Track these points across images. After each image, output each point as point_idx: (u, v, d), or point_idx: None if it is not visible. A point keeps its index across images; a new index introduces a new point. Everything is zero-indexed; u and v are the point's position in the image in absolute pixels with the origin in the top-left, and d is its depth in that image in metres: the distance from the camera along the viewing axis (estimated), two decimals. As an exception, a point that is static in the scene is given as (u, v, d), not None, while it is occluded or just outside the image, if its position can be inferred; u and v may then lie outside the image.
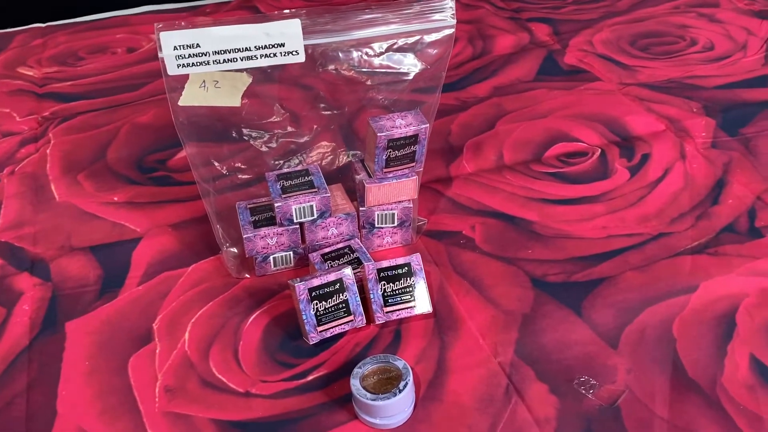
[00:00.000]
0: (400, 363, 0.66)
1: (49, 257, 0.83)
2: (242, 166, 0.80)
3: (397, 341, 0.72)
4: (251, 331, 0.73)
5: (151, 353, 0.71)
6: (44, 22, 1.39)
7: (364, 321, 0.72)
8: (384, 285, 0.72)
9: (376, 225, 0.81)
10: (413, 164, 0.77)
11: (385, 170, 0.77)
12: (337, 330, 0.71)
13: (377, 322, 0.72)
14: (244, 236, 0.76)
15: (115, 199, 0.91)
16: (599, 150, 0.98)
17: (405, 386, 0.63)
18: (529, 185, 0.92)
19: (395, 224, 0.81)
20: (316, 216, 0.76)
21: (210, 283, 0.79)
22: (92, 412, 0.66)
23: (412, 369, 0.66)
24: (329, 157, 0.84)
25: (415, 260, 0.73)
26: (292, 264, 0.80)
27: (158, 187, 0.93)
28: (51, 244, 0.85)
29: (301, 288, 0.69)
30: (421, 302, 0.73)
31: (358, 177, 0.79)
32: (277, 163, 0.81)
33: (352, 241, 0.79)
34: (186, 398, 0.67)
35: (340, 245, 0.79)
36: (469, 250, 0.83)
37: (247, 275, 0.79)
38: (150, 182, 0.94)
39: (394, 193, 0.79)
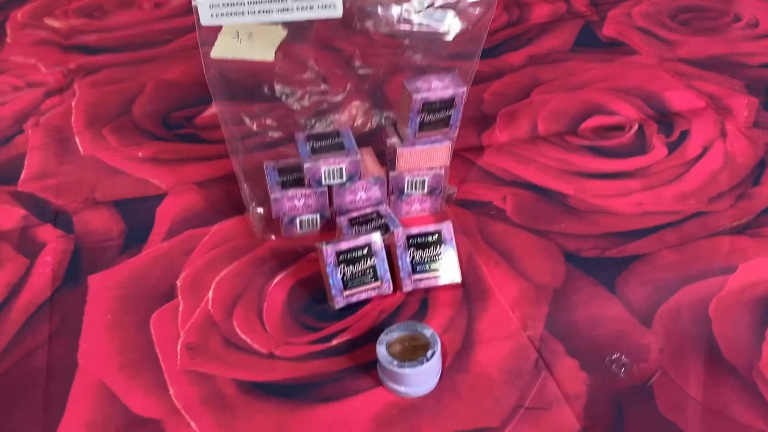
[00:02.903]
0: (427, 331, 0.64)
1: (72, 210, 0.82)
2: (272, 124, 0.78)
3: (424, 310, 0.70)
4: (276, 292, 0.72)
5: (174, 310, 0.70)
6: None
7: (392, 287, 0.70)
8: (413, 252, 0.70)
9: (406, 191, 0.78)
10: (447, 129, 0.75)
11: (418, 135, 0.74)
12: (364, 295, 0.69)
13: (405, 290, 0.70)
14: (271, 196, 0.74)
15: (140, 154, 0.90)
16: (637, 124, 0.95)
17: (432, 355, 0.62)
18: (563, 157, 0.89)
19: (425, 191, 0.79)
20: (345, 179, 0.74)
21: (235, 243, 0.78)
22: (113, 366, 0.65)
23: (439, 338, 0.64)
24: (361, 119, 0.82)
25: (446, 228, 0.71)
26: (318, 228, 0.78)
27: (184, 144, 0.92)
28: (75, 196, 0.83)
29: (329, 251, 0.68)
30: (451, 271, 0.71)
31: (389, 141, 0.77)
32: (307, 122, 0.79)
33: (381, 207, 0.77)
34: (208, 357, 0.66)
35: (368, 210, 0.77)
36: (499, 221, 0.80)
37: (273, 237, 0.78)
38: (176, 139, 0.93)
39: (426, 158, 0.76)
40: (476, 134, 0.93)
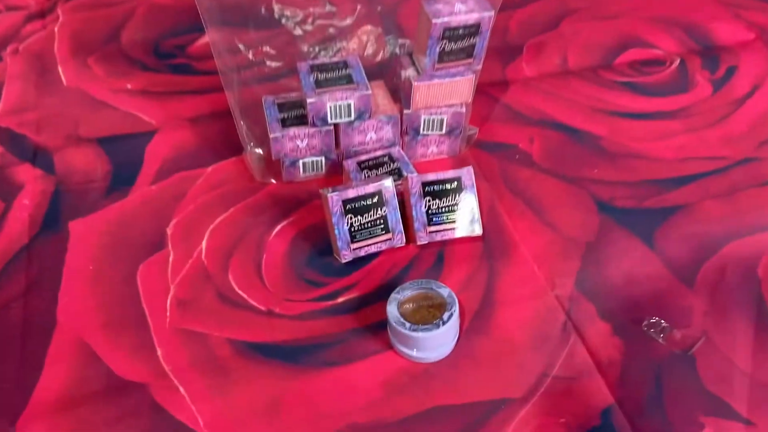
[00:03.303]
0: (444, 291, 0.57)
1: (54, 147, 0.74)
2: (272, 52, 0.70)
3: (440, 265, 0.63)
4: (276, 243, 0.65)
5: (164, 261, 0.63)
6: None
7: (404, 240, 0.63)
8: (429, 201, 0.62)
9: (422, 131, 0.70)
10: (471, 61, 0.66)
11: (437, 66, 0.66)
12: (373, 249, 0.62)
13: (419, 243, 0.63)
14: (270, 136, 0.66)
15: (129, 86, 0.82)
16: (678, 59, 0.85)
17: (450, 317, 0.55)
18: (596, 95, 0.80)
19: (443, 132, 0.71)
20: (353, 117, 0.66)
21: (231, 187, 0.70)
22: (95, 324, 0.59)
23: (456, 297, 0.57)
24: (372, 47, 0.73)
25: (467, 174, 0.63)
26: (324, 171, 0.70)
27: (176, 75, 0.83)
28: (56, 133, 0.76)
29: (334, 199, 0.60)
30: (470, 223, 0.63)
31: (404, 73, 0.68)
32: (311, 50, 0.70)
33: (393, 149, 0.69)
34: (200, 314, 0.59)
35: (379, 153, 0.69)
36: (525, 166, 0.72)
37: (273, 180, 0.70)
38: (167, 70, 0.84)
39: (445, 94, 0.68)
40: (500, 67, 0.84)
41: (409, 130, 0.70)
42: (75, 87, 0.81)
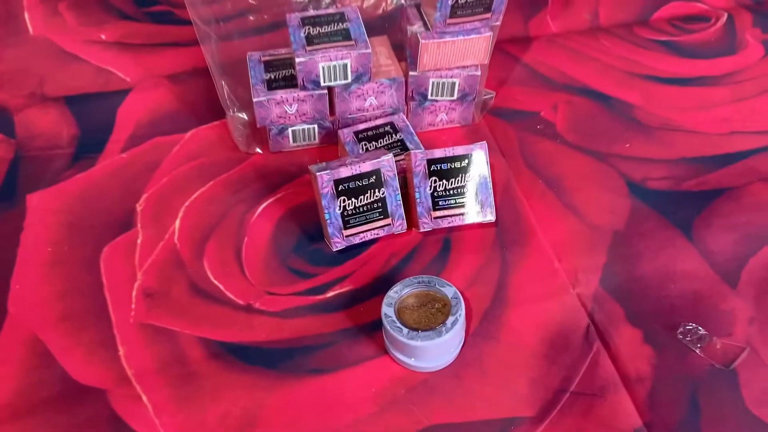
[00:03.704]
0: (449, 290, 0.49)
1: (15, 107, 0.66)
2: (254, 3, 0.60)
3: (445, 255, 0.55)
4: (259, 225, 0.57)
5: (131, 244, 0.56)
6: None
7: (405, 226, 0.55)
8: (435, 182, 0.54)
9: (430, 96, 0.61)
10: (488, 15, 0.56)
11: (449, 21, 0.56)
12: (369, 236, 0.54)
13: (422, 230, 0.55)
14: (254, 100, 0.57)
15: (103, 37, 0.72)
16: (725, 15, 0.75)
17: (454, 324, 0.47)
18: (630, 55, 0.71)
19: (454, 97, 0.62)
20: (350, 79, 0.57)
21: (211, 157, 0.62)
22: (51, 317, 0.51)
23: (463, 296, 0.50)
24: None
25: (479, 152, 0.54)
26: (317, 140, 0.62)
27: (156, 24, 0.74)
28: (18, 90, 0.67)
29: (324, 179, 0.52)
30: (482, 208, 0.55)
31: (411, 28, 0.59)
32: (302, 1, 0.61)
33: (396, 117, 0.61)
34: (170, 307, 0.52)
35: (380, 121, 0.60)
36: (547, 138, 0.64)
37: (259, 150, 0.62)
38: (146, 18, 0.75)
39: (458, 54, 0.58)
40: (522, 21, 0.74)
41: (415, 95, 0.61)
42: (42, 37, 0.73)
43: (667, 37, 0.73)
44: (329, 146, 0.62)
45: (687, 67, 0.70)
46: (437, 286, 0.49)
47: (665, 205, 0.58)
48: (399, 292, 0.49)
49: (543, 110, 0.66)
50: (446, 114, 0.63)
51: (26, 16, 0.75)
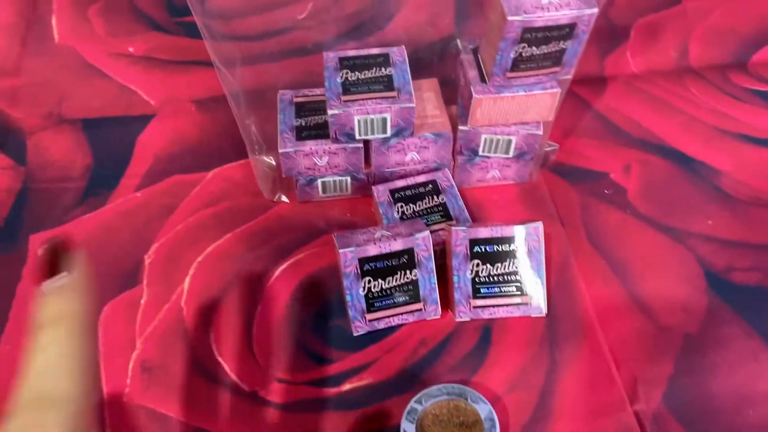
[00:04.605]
0: (483, 408, 0.42)
1: (29, 129, 0.61)
2: (301, 18, 0.53)
3: (484, 348, 0.48)
4: (276, 290, 0.51)
5: (134, 303, 0.50)
6: None
7: (439, 312, 0.47)
8: (477, 265, 0.46)
9: (481, 153, 0.53)
10: (557, 69, 0.48)
11: (509, 75, 0.48)
12: (396, 321, 0.47)
13: (458, 319, 0.47)
14: (280, 150, 0.51)
15: (131, 50, 0.67)
16: (841, 60, 0.64)
17: (485, 451, 0.40)
18: (722, 108, 0.61)
19: (509, 155, 0.53)
20: (389, 134, 0.50)
21: (232, 202, 0.56)
22: (39, 386, 0.46)
23: (501, 402, 0.42)
24: (426, 31, 0.55)
25: (533, 234, 0.46)
26: (349, 191, 0.55)
27: (188, 38, 0.67)
28: (36, 107, 0.62)
29: (348, 257, 0.45)
30: (531, 300, 0.47)
31: (465, 75, 0.51)
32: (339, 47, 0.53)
33: (439, 174, 0.53)
34: (168, 386, 0.46)
35: (421, 179, 0.53)
36: (616, 206, 0.55)
37: (285, 198, 0.55)
38: (178, 29, 0.68)
39: (517, 110, 0.50)
40: (597, 57, 0.65)
41: (464, 150, 0.53)
42: (67, 46, 0.67)
43: (766, 86, 0.62)
44: (362, 198, 0.55)
45: (790, 126, 0.60)
46: (470, 399, 0.42)
47: (750, 306, 0.49)
48: (423, 404, 0.42)
49: (613, 171, 0.57)
50: (499, 171, 0.55)
51: (53, 20, 0.69)
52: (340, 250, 0.45)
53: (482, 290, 0.46)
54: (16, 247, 0.53)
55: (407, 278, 0.46)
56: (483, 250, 0.46)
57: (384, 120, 0.49)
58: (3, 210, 0.55)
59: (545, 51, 0.46)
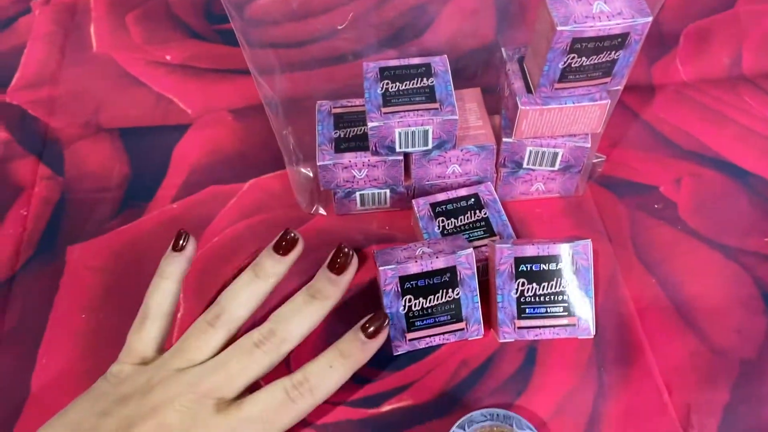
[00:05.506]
0: (528, 434, 0.40)
1: (67, 138, 0.60)
2: (340, 28, 0.51)
3: (528, 370, 0.46)
4: (313, 307, 0.49)
5: (170, 317, 0.50)
6: None
7: (482, 332, 0.46)
8: (522, 284, 0.44)
9: (525, 165, 0.51)
10: (607, 80, 0.46)
11: (557, 86, 0.46)
12: (437, 341, 0.45)
13: (501, 340, 0.46)
14: (318, 163, 0.49)
15: (168, 58, 0.66)
16: None
17: (531, 481, 0.38)
18: (780, 119, 0.58)
19: (555, 168, 0.51)
20: (431, 146, 0.48)
21: (269, 215, 0.55)
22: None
23: (546, 428, 0.41)
24: (466, 38, 0.54)
25: (582, 252, 0.44)
26: (388, 204, 0.53)
27: (226, 46, 0.67)
28: (74, 117, 0.62)
29: (388, 275, 0.44)
30: (579, 320, 0.45)
31: (510, 86, 0.49)
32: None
33: (482, 187, 0.51)
34: (204, 402, 0.45)
35: (463, 192, 0.51)
36: (666, 222, 0.53)
37: (323, 211, 0.54)
38: (216, 37, 0.68)
39: (564, 122, 0.48)
40: (645, 64, 0.62)
41: (507, 162, 0.51)
42: (105, 54, 0.67)
43: (827, 94, 0.59)
44: (401, 211, 0.54)
45: None
46: (515, 427, 0.41)
47: (813, 329, 0.46)
48: (466, 429, 0.41)
49: (663, 185, 0.54)
50: (543, 184, 0.53)
51: (92, 28, 0.69)
52: (380, 268, 0.44)
53: (527, 310, 0.45)
54: (55, 258, 0.53)
55: (449, 297, 0.44)
56: (529, 268, 0.44)
57: (426, 132, 0.47)
58: (41, 221, 0.55)
59: (595, 61, 0.44)
